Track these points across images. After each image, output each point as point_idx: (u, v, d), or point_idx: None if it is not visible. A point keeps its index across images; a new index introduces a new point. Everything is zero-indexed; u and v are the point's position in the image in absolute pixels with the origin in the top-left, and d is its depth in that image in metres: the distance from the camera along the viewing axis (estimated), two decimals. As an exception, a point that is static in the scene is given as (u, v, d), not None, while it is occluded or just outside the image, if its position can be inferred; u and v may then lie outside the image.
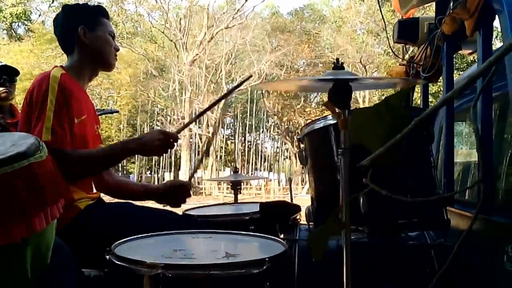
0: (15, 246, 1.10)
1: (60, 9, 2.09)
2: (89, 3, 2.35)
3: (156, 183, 21.29)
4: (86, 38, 1.96)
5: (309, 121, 1.89)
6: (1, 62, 3.32)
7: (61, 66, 1.94)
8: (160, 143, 1.83)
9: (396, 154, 0.71)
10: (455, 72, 2.52)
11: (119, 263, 1.35)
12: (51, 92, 1.76)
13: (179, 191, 2.08)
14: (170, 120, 29.97)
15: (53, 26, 2.08)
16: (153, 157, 30.52)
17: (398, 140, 0.67)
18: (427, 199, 1.42)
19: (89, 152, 1.88)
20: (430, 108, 0.67)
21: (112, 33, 2.05)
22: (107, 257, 1.40)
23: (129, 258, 1.33)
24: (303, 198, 15.89)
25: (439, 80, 2.57)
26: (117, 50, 2.08)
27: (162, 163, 31.41)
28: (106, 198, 2.08)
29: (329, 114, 1.69)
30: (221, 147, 33.14)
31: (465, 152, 3.35)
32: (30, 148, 1.14)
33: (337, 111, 1.33)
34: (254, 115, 35.29)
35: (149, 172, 33.27)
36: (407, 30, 2.72)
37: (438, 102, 0.70)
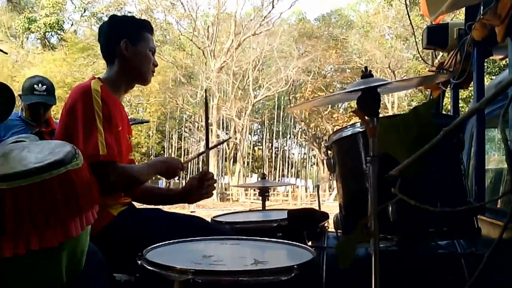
0: (52, 250, 1.14)
1: (99, 19, 2.16)
2: (133, 16, 2.39)
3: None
4: (127, 52, 2.00)
5: (337, 128, 1.89)
6: (37, 76, 3.39)
7: (99, 78, 1.97)
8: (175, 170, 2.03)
9: (424, 164, 0.71)
10: (487, 76, 2.48)
11: (150, 268, 1.37)
12: (96, 106, 1.80)
13: (203, 182, 2.07)
14: (198, 127, 30.25)
15: (98, 34, 2.12)
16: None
17: (426, 151, 0.68)
18: (455, 209, 1.39)
19: (137, 168, 1.96)
20: (459, 118, 0.67)
21: (153, 49, 2.08)
22: (139, 262, 1.42)
23: (160, 264, 1.36)
24: (330, 205, 15.77)
25: (469, 86, 2.54)
26: (156, 65, 2.11)
27: (190, 169, 31.68)
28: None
29: (358, 121, 1.69)
30: (249, 153, 33.22)
31: (497, 159, 3.28)
32: (67, 155, 1.18)
33: (366, 119, 1.33)
34: (281, 121, 35.30)
35: (176, 178, 33.59)
36: (436, 36, 2.69)
37: (467, 112, 0.70)
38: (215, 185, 2.12)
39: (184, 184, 2.15)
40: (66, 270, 1.23)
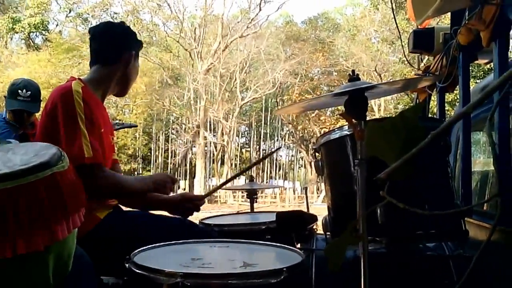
0: (38, 254, 1.13)
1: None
2: (110, 17, 2.39)
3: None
4: (131, 63, 2.03)
5: (324, 130, 1.89)
6: (23, 78, 3.34)
7: (79, 79, 1.93)
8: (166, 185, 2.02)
9: (412, 167, 0.72)
10: (472, 80, 2.51)
11: (138, 271, 1.36)
12: (78, 107, 1.77)
13: (192, 204, 2.11)
14: (185, 129, 30.16)
15: (105, 31, 2.08)
16: (169, 165, 30.74)
17: (414, 154, 0.68)
18: (444, 212, 1.41)
19: (125, 179, 1.95)
20: (446, 122, 0.68)
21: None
22: (127, 265, 1.41)
23: (148, 267, 1.35)
24: (318, 207, 15.81)
25: (455, 90, 2.57)
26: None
27: (178, 171, 31.56)
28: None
29: (345, 124, 1.70)
30: (236, 156, 33.20)
31: (483, 161, 3.31)
32: (53, 158, 1.17)
33: (353, 122, 1.34)
34: (269, 123, 35.36)
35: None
36: (422, 40, 2.72)
37: (453, 116, 0.71)
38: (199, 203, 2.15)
39: (173, 195, 2.15)
40: (53, 274, 1.21)
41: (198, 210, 2.12)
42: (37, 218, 1.11)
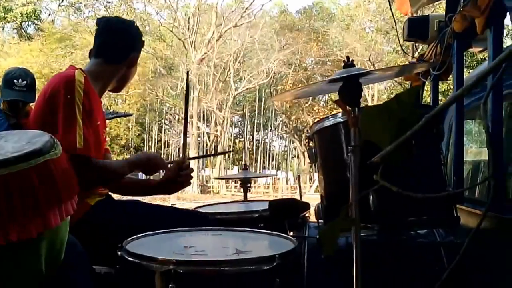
0: (31, 241, 1.12)
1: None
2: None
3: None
4: (134, 63, 2.04)
5: (318, 119, 1.89)
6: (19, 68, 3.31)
7: (81, 69, 1.90)
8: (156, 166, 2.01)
9: (406, 150, 0.72)
10: (465, 70, 2.51)
11: (131, 259, 1.36)
12: (78, 97, 1.75)
13: (181, 174, 2.03)
14: (178, 119, 30.08)
15: (112, 27, 2.04)
16: (163, 156, 30.62)
17: (408, 137, 0.68)
18: (436, 195, 1.42)
19: (110, 164, 1.93)
20: (440, 105, 0.67)
21: None
22: (119, 253, 1.41)
23: (141, 254, 1.35)
24: (311, 196, 15.87)
25: (448, 78, 2.57)
26: None
27: (170, 159, 31.45)
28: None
29: (339, 112, 1.70)
30: (229, 146, 33.19)
31: (475, 151, 3.33)
32: (45, 145, 1.16)
33: (347, 109, 1.33)
34: (262, 113, 35.33)
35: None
36: (417, 28, 2.72)
37: (448, 99, 0.71)
38: (192, 174, 2.08)
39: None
40: (45, 262, 1.21)
41: (190, 177, 2.06)
42: (29, 205, 1.10)
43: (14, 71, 3.16)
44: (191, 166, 2.07)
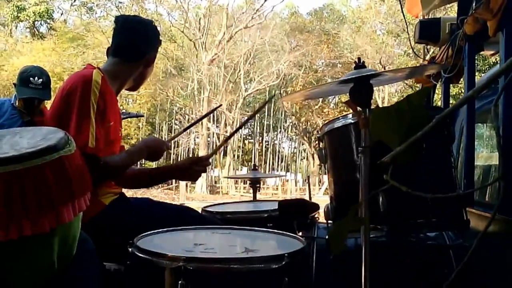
0: (44, 236, 1.14)
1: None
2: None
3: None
4: (151, 62, 2.05)
5: (328, 120, 1.89)
6: (33, 66, 3.34)
7: (99, 68, 1.92)
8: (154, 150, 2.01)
9: (417, 151, 0.72)
10: (477, 74, 2.50)
11: (141, 255, 1.38)
12: (93, 97, 1.78)
13: (199, 166, 2.07)
14: (188, 119, 30.13)
15: (132, 26, 2.04)
16: (172, 156, 30.77)
17: (418, 138, 0.69)
18: (445, 196, 1.41)
19: (117, 159, 1.92)
20: (451, 107, 0.68)
21: None
22: (130, 249, 1.43)
23: (151, 251, 1.36)
24: (320, 198, 15.82)
25: (460, 81, 2.56)
26: None
27: (180, 159, 31.54)
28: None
29: (349, 113, 1.70)
30: (239, 147, 33.22)
31: (486, 156, 3.31)
32: (59, 141, 1.18)
33: (358, 110, 1.34)
34: (272, 115, 35.30)
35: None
36: (428, 31, 2.71)
37: (459, 101, 0.71)
38: (203, 174, 2.13)
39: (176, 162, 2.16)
40: (57, 257, 1.23)
41: (205, 171, 2.09)
42: (43, 201, 1.12)
43: (30, 69, 3.20)
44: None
